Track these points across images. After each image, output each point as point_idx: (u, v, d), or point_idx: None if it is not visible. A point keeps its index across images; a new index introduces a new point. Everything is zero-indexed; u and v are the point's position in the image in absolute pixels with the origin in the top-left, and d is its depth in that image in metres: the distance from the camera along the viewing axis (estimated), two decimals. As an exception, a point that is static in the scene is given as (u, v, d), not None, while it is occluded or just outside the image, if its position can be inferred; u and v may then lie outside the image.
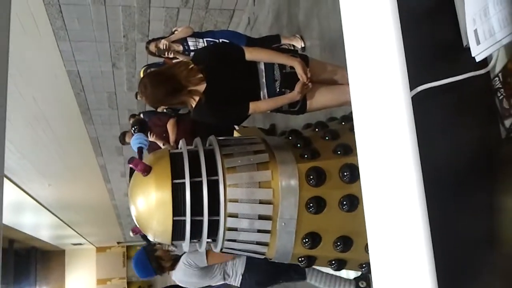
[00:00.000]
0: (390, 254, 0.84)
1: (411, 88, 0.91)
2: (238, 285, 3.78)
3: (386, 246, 0.85)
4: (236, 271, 3.73)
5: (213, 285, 4.14)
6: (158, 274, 3.77)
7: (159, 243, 3.74)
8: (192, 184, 1.88)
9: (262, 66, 2.45)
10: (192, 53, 4.46)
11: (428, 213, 0.83)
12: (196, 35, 4.59)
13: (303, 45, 4.82)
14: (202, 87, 2.35)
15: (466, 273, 1.08)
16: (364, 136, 0.89)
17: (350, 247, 1.95)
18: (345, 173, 1.89)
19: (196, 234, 1.96)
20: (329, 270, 3.78)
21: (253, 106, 2.39)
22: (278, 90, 2.45)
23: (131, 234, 2.26)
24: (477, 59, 1.02)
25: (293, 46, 4.82)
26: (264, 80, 2.43)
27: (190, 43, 4.50)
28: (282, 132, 2.33)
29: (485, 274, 1.10)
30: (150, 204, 1.92)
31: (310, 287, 4.19)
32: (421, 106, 0.92)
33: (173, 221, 1.90)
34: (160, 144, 5.01)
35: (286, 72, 2.45)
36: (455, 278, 1.02)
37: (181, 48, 4.53)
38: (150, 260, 3.60)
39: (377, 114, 0.87)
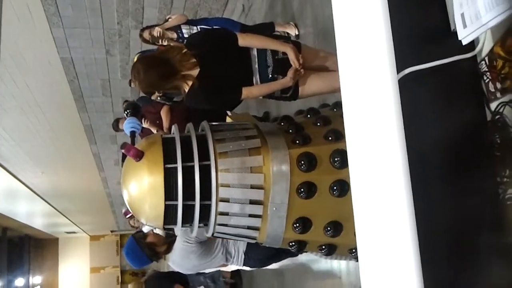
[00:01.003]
0: (376, 237, 0.86)
1: (399, 71, 0.93)
2: (241, 266, 3.67)
3: (372, 230, 0.87)
4: (238, 249, 3.56)
5: (212, 270, 4.01)
6: (154, 261, 3.59)
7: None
8: (184, 169, 1.89)
9: (254, 52, 2.47)
10: None
11: (413, 196, 0.85)
12: (190, 22, 4.57)
13: (297, 33, 4.82)
14: (195, 71, 2.36)
15: (450, 256, 1.10)
16: (352, 117, 0.90)
17: (340, 232, 1.97)
18: (336, 159, 1.90)
19: (188, 218, 1.98)
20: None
21: (245, 91, 2.40)
22: (270, 76, 2.47)
23: (123, 214, 2.28)
24: (464, 42, 1.03)
25: (287, 33, 4.81)
26: (256, 66, 2.45)
27: (184, 31, 4.49)
28: (274, 118, 2.35)
29: (470, 258, 1.12)
30: (142, 189, 1.94)
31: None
32: (408, 88, 0.94)
33: (165, 205, 1.91)
34: (154, 130, 5.01)
35: (278, 58, 2.47)
36: (439, 262, 1.04)
37: (175, 35, 4.53)
38: (142, 247, 3.42)
39: (365, 96, 0.88)
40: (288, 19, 5.10)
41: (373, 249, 0.86)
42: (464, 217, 1.11)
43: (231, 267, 3.76)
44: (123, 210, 5.45)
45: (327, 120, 2.10)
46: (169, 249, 3.52)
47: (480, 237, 1.11)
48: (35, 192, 12.98)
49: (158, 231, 4.74)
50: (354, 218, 0.90)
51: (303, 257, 4.73)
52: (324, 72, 2.56)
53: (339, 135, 1.95)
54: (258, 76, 2.45)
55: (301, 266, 5.32)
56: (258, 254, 3.61)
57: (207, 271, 3.71)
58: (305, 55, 2.48)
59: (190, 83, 2.36)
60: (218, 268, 4.29)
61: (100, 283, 21.07)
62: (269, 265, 4.01)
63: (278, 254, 3.65)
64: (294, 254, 3.80)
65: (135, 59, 5.34)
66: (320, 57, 2.61)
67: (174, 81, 2.36)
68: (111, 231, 22.23)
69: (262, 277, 7.07)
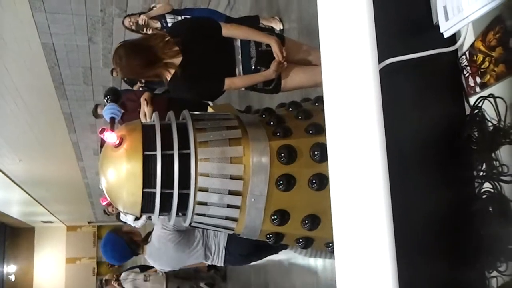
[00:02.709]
0: (352, 231, 0.86)
1: (380, 61, 0.93)
2: (222, 263, 3.61)
3: (349, 223, 0.87)
4: (218, 243, 3.52)
5: (191, 263, 3.94)
6: (133, 251, 3.46)
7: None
8: (163, 157, 1.87)
9: (238, 43, 2.47)
10: None
11: (391, 189, 0.85)
12: (175, 12, 4.55)
13: (281, 27, 4.82)
14: (178, 60, 2.34)
15: (426, 250, 1.11)
16: (332, 106, 0.90)
17: (318, 225, 1.97)
18: (316, 152, 1.91)
19: (165, 207, 1.96)
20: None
21: (228, 81, 2.39)
22: (253, 67, 2.47)
23: (101, 202, 2.26)
24: (445, 35, 1.04)
25: (272, 27, 4.81)
26: (240, 57, 2.45)
27: (168, 20, 4.46)
28: (255, 111, 2.34)
29: (446, 252, 1.13)
30: (120, 175, 1.92)
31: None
32: (389, 79, 0.94)
33: (143, 192, 1.89)
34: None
35: (261, 50, 2.48)
36: (415, 255, 1.05)
37: (159, 24, 4.49)
38: (120, 235, 3.37)
39: (345, 85, 0.88)
40: (273, 14, 5.10)
41: (349, 243, 0.86)
42: (440, 211, 1.12)
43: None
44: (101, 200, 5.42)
45: (308, 114, 2.10)
46: (147, 238, 3.48)
47: (456, 231, 1.12)
48: (12, 180, 12.78)
49: (133, 223, 4.70)
50: (331, 211, 0.90)
51: (282, 255, 4.74)
52: (307, 66, 2.56)
53: (320, 129, 1.96)
54: (241, 67, 2.46)
55: (279, 263, 5.34)
56: (239, 249, 3.56)
57: (191, 261, 3.62)
58: (288, 48, 2.48)
59: (172, 71, 2.34)
60: (200, 265, 4.22)
61: (75, 274, 20.88)
62: (250, 262, 3.98)
63: (259, 250, 3.63)
64: (275, 251, 3.81)
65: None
66: (304, 51, 2.62)
67: (155, 69, 2.34)
68: (89, 222, 22.04)
69: (241, 272, 7.08)
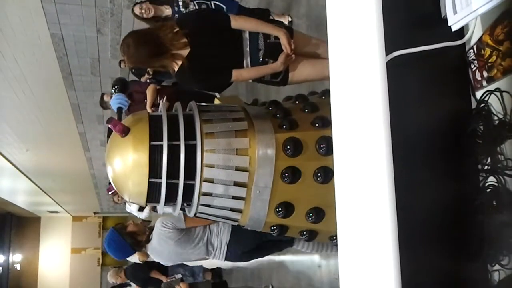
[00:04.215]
0: (356, 223, 0.86)
1: (387, 53, 0.93)
2: (223, 259, 3.62)
3: (353, 216, 0.87)
4: (221, 240, 3.52)
5: (193, 259, 3.98)
6: (136, 250, 3.59)
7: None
8: (169, 147, 1.88)
9: (246, 35, 2.46)
10: None
11: (395, 181, 0.85)
12: None
13: (290, 20, 4.80)
14: (185, 51, 2.34)
15: (427, 241, 1.11)
16: (338, 97, 0.91)
17: (322, 218, 1.98)
18: (322, 145, 1.91)
19: (171, 197, 1.97)
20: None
21: (235, 73, 2.40)
22: (261, 59, 2.46)
23: (106, 190, 2.27)
24: (453, 29, 1.04)
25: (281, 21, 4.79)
26: (248, 49, 2.45)
27: (180, 3, 4.39)
28: (262, 103, 2.34)
29: (449, 244, 1.13)
30: (127, 165, 1.93)
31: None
32: (396, 72, 0.94)
33: (149, 182, 1.90)
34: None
35: (270, 42, 2.46)
36: (418, 247, 1.05)
37: (169, 10, 4.44)
38: (124, 236, 3.45)
39: (352, 76, 0.88)
40: (282, 7, 5.08)
41: (352, 235, 0.87)
42: (444, 204, 1.12)
43: (213, 262, 3.71)
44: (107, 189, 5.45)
45: (315, 107, 2.10)
46: (149, 237, 3.53)
47: (459, 224, 1.12)
48: (19, 169, 12.86)
49: (137, 214, 4.72)
50: (336, 203, 0.90)
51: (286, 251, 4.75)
52: (315, 60, 2.56)
53: (326, 122, 1.96)
54: (249, 59, 2.45)
55: (283, 257, 5.35)
56: (241, 247, 3.58)
57: (189, 263, 3.66)
58: (297, 40, 2.48)
59: (179, 62, 2.34)
60: (199, 263, 4.25)
61: (80, 264, 21.00)
62: (251, 260, 4.02)
63: (261, 248, 3.66)
64: (279, 249, 3.84)
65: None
66: (312, 44, 2.61)
67: (163, 60, 2.34)
68: (94, 213, 22.15)
69: (243, 272, 7.11)
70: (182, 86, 3.45)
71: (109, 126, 1.94)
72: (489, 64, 1.06)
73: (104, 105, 5.75)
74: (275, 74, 2.48)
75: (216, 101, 2.44)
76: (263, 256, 4.03)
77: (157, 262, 4.35)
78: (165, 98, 3.79)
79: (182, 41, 2.33)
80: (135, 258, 5.06)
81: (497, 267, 1.07)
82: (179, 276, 5.75)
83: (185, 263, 5.71)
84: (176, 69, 2.37)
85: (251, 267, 6.59)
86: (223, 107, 2.13)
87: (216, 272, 7.76)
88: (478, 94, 1.10)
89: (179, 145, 1.90)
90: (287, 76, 2.51)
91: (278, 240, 3.63)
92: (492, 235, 1.04)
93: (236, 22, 2.40)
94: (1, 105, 8.75)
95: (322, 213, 1.97)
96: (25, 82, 8.27)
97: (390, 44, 0.92)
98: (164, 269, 5.82)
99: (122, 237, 3.43)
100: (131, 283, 6.37)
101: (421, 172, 1.10)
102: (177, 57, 2.33)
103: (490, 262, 1.09)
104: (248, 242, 3.52)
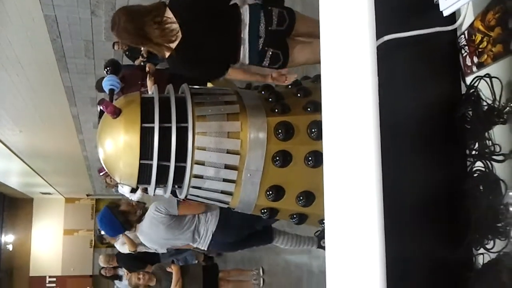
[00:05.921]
0: (343, 202, 0.87)
1: (378, 37, 0.93)
2: (205, 247, 3.72)
3: (340, 195, 0.88)
4: (207, 229, 3.63)
5: (179, 245, 4.11)
6: (126, 229, 3.71)
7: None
8: (161, 129, 1.88)
9: (246, 20, 2.32)
10: None
11: (383, 166, 0.85)
12: None
13: None
14: (175, 43, 2.26)
15: (413, 224, 1.12)
16: (328, 80, 0.91)
17: (312, 202, 1.99)
18: (313, 130, 1.91)
19: (162, 179, 1.98)
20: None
21: (231, 71, 2.35)
22: (260, 47, 2.34)
23: (98, 171, 2.27)
24: (445, 14, 1.04)
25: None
26: (247, 36, 2.32)
27: None
28: (255, 87, 2.33)
29: (434, 225, 1.14)
30: (118, 146, 1.93)
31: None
32: (386, 56, 0.94)
33: (140, 164, 1.91)
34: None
35: (271, 29, 2.34)
36: (403, 229, 1.06)
37: None
38: (116, 215, 3.53)
39: (342, 60, 0.88)
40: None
41: (339, 218, 0.88)
42: (431, 188, 1.13)
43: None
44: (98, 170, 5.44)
45: (307, 92, 2.10)
46: (140, 218, 3.64)
47: (445, 208, 1.13)
48: (12, 151, 12.80)
49: (129, 195, 4.75)
50: (324, 186, 0.91)
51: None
52: (312, 43, 2.48)
53: (318, 107, 1.94)
54: (247, 46, 2.33)
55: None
56: (227, 237, 3.69)
57: (179, 242, 3.80)
58: (298, 25, 2.41)
59: (168, 53, 2.28)
60: (186, 247, 4.38)
61: (73, 245, 21.02)
62: (236, 250, 4.11)
63: (246, 240, 3.75)
64: (265, 242, 3.93)
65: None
66: (312, 25, 2.48)
67: (150, 45, 2.29)
68: (87, 195, 22.11)
69: (234, 255, 7.15)
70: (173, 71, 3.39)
71: (101, 107, 1.93)
72: (479, 50, 1.06)
73: (100, 89, 5.69)
74: (273, 61, 2.40)
75: (209, 85, 2.43)
76: (249, 247, 4.22)
77: (150, 256, 4.46)
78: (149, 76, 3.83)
79: (172, 33, 2.23)
80: (125, 249, 5.11)
81: (481, 250, 1.09)
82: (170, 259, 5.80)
83: (177, 251, 5.79)
84: (167, 56, 2.31)
85: (242, 251, 6.63)
86: (216, 90, 2.13)
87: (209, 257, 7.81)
88: (468, 79, 1.10)
89: (170, 127, 1.89)
90: (287, 61, 2.43)
91: (259, 236, 3.75)
92: (478, 219, 1.05)
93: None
94: (-6, 87, 8.68)
95: (312, 196, 1.98)
96: (19, 64, 8.19)
97: (381, 28, 0.92)
98: (157, 261, 5.84)
99: (114, 215, 3.52)
100: (122, 270, 6.40)
101: (409, 156, 1.11)
102: (166, 49, 2.27)
103: (475, 246, 1.10)
104: (232, 233, 3.65)
